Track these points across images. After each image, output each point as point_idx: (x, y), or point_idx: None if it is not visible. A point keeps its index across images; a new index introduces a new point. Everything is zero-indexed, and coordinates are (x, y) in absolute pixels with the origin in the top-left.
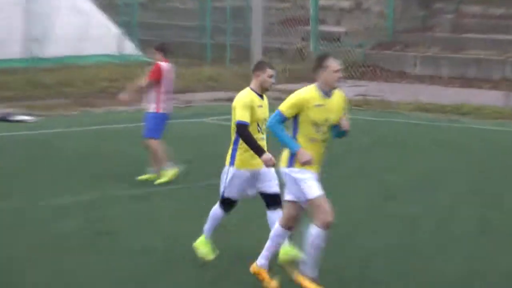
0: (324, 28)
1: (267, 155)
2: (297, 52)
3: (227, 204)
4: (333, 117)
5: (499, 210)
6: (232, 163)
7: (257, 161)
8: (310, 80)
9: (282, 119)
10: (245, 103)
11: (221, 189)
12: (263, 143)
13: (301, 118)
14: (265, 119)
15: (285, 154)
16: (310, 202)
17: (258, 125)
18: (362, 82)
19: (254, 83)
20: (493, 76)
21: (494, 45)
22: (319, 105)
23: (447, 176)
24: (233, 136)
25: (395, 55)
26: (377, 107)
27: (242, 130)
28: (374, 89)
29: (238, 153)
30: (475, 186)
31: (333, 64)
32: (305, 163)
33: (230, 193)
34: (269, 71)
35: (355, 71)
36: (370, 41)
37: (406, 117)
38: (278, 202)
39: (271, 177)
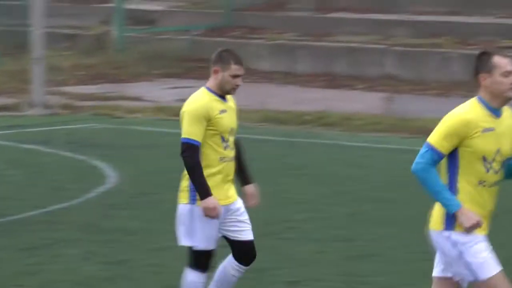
0: (134, 6)
1: (211, 201)
2: (95, 40)
3: (202, 260)
4: (507, 146)
5: None
6: (193, 198)
7: (228, 192)
8: (114, 80)
9: (436, 158)
10: (197, 114)
11: (184, 241)
12: (230, 167)
13: (462, 153)
14: (232, 129)
15: (437, 211)
16: (483, 283)
17: (223, 138)
18: (187, 82)
19: (212, 81)
20: (369, 72)
21: (372, 29)
22: (488, 130)
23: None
24: None
25: (234, 43)
26: None
27: (189, 153)
28: None
29: None
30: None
31: (503, 62)
32: (471, 228)
33: (202, 242)
34: (234, 68)
35: (177, 66)
36: (199, 24)
37: (250, 131)
38: (252, 257)
39: (245, 217)
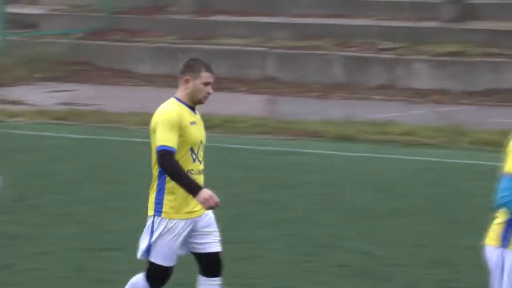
0: (15, 9)
1: (205, 192)
2: None
3: (159, 275)
4: None
5: None
6: (158, 210)
7: (196, 204)
8: None
9: None
10: (170, 121)
11: (142, 254)
12: (200, 178)
13: None
14: (202, 142)
15: (496, 228)
16: None
17: (192, 151)
18: (68, 85)
19: (181, 91)
20: (251, 75)
21: (253, 31)
22: None
23: None
24: (156, 171)
25: (115, 46)
26: (90, 120)
27: (166, 159)
28: (86, 94)
29: (165, 195)
30: None
31: None
32: None
33: (162, 258)
34: (205, 75)
35: (58, 69)
36: (80, 28)
37: (132, 134)
38: (219, 267)
39: (213, 229)
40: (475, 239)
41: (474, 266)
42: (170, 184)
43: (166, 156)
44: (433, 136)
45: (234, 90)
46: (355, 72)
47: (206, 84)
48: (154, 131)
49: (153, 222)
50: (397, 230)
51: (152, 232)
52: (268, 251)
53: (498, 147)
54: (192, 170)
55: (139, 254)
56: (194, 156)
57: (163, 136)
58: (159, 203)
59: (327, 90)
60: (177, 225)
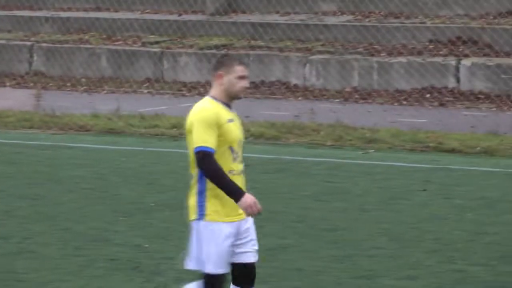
0: None
1: (249, 198)
2: None
3: (213, 284)
4: None
5: None
6: (201, 214)
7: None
8: None
9: None
10: (207, 120)
11: (191, 263)
12: (241, 179)
13: None
14: (240, 140)
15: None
16: None
17: (231, 149)
18: None
19: (216, 89)
20: (17, 69)
21: (18, 26)
22: None
23: None
24: (195, 173)
25: None
26: None
27: (206, 161)
28: None
29: (208, 198)
30: None
31: None
32: None
33: (213, 265)
34: (239, 69)
35: None
36: None
37: None
38: (253, 278)
39: (252, 237)
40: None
41: None
42: (212, 185)
43: (206, 158)
44: None
45: (1, 84)
46: (122, 66)
47: (241, 77)
48: (190, 131)
49: (197, 227)
50: (166, 223)
51: (198, 238)
52: (38, 246)
53: (265, 139)
54: (233, 170)
55: (187, 264)
56: (234, 155)
57: (200, 136)
58: (201, 206)
59: (95, 84)
60: (223, 229)
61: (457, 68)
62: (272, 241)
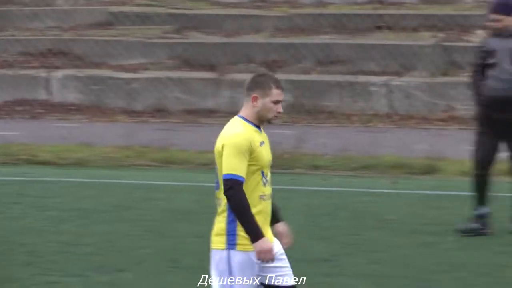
0: None
1: (266, 243)
2: None
3: None
4: None
5: None
6: (232, 243)
7: (270, 232)
8: None
9: None
10: (239, 146)
11: None
12: (267, 206)
13: None
14: (270, 162)
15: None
16: None
17: (262, 173)
18: None
19: (248, 109)
20: None
21: None
22: None
23: None
24: (225, 199)
25: None
26: None
27: (235, 190)
28: None
29: (240, 226)
30: None
31: None
32: None
33: None
34: (276, 92)
35: None
36: None
37: None
38: None
39: (284, 257)
40: None
41: None
42: None
43: (235, 187)
44: None
45: None
46: None
47: (277, 102)
48: (221, 154)
49: (228, 257)
50: None
51: (229, 268)
52: None
53: None
54: (264, 195)
55: None
56: (264, 180)
57: (230, 164)
58: (232, 234)
59: None
60: (254, 258)
61: (48, 80)
62: None
